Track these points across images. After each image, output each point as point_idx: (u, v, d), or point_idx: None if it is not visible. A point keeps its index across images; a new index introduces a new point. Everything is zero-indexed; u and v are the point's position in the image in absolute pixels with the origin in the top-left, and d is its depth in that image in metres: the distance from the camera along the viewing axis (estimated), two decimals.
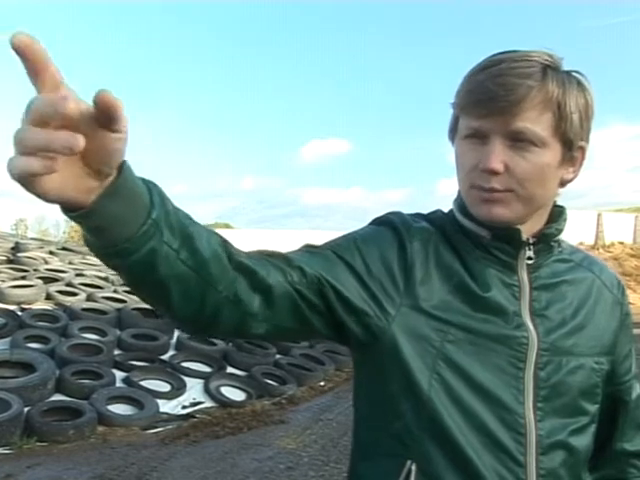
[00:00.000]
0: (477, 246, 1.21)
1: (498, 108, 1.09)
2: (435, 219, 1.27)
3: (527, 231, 1.20)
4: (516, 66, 1.09)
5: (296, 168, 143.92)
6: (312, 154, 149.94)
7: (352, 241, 1.20)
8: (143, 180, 0.87)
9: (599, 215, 27.63)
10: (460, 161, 1.18)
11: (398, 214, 1.26)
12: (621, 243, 27.46)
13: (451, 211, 1.27)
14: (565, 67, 1.14)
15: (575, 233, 25.26)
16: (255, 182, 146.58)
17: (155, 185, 0.89)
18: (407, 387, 1.14)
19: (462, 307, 1.17)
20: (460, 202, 1.23)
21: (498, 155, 1.10)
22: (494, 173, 1.11)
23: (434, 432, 1.12)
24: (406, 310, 1.15)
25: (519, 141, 1.10)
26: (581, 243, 25.56)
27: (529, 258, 1.21)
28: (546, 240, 1.23)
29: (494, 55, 1.13)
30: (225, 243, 1.00)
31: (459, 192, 1.23)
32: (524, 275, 1.21)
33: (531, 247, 1.21)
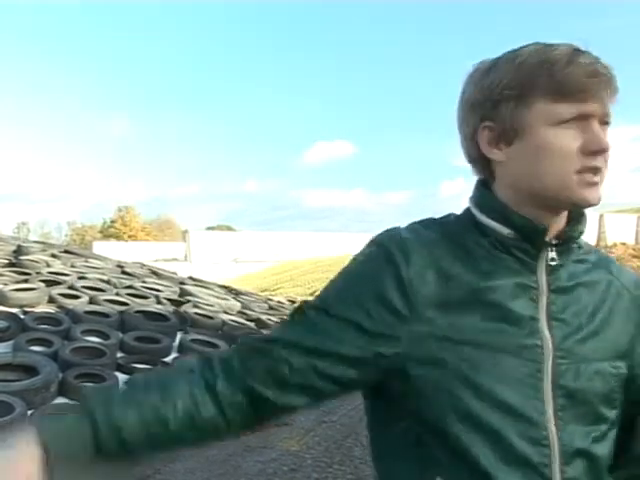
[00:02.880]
0: (496, 246, 1.19)
1: (610, 90, 1.13)
2: (447, 223, 1.25)
3: (552, 230, 1.20)
4: (598, 57, 1.13)
5: (300, 170, 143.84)
6: (317, 156, 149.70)
7: (340, 291, 1.22)
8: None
9: (601, 216, 27.69)
10: (557, 147, 1.13)
11: (393, 234, 1.23)
12: (623, 244, 27.50)
13: (467, 211, 1.26)
14: None
15: None
16: (259, 184, 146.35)
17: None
18: (425, 417, 1.15)
19: (475, 321, 1.15)
20: (481, 199, 1.23)
21: (604, 135, 1.14)
22: (605, 151, 1.14)
23: (457, 456, 1.13)
24: (416, 338, 1.14)
25: (605, 124, 1.16)
26: None
27: (552, 259, 1.20)
28: (570, 241, 1.23)
29: (550, 45, 1.15)
30: (203, 384, 1.17)
31: (479, 189, 1.24)
32: (543, 277, 1.20)
33: (554, 248, 1.20)
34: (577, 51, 1.13)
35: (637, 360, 1.28)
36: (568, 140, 1.12)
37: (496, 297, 1.16)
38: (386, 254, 1.18)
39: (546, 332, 1.17)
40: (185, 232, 41.74)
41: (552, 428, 1.14)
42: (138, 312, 9.61)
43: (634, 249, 27.43)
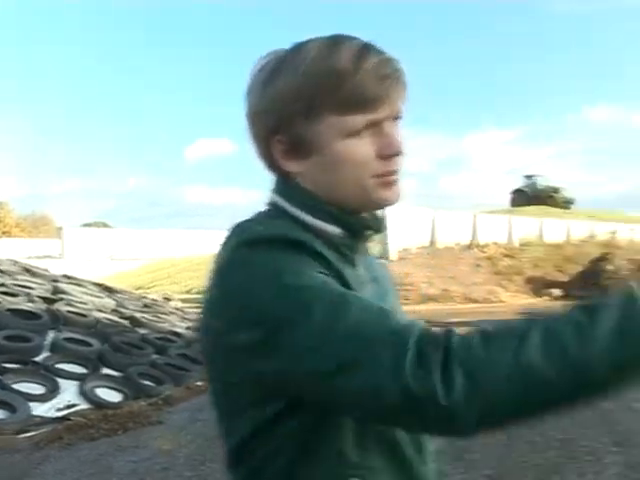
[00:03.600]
0: (329, 248, 1.11)
1: (401, 87, 1.11)
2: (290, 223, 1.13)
3: None
4: (383, 50, 1.10)
5: (180, 168, 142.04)
6: (197, 153, 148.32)
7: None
8: None
9: (474, 216, 28.54)
10: (352, 158, 1.09)
11: (267, 227, 1.09)
12: (495, 243, 28.43)
13: (283, 213, 1.14)
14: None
15: (451, 233, 26.07)
16: (138, 181, 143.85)
17: None
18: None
19: None
20: (307, 201, 1.13)
21: (399, 137, 1.12)
22: (400, 155, 1.12)
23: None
24: None
25: (398, 119, 1.14)
26: (457, 243, 26.42)
27: (364, 251, 1.21)
28: (379, 233, 1.21)
29: (335, 44, 1.09)
30: None
31: (303, 190, 1.14)
32: (362, 270, 1.18)
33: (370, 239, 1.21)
34: (364, 49, 1.08)
35: None
36: (363, 149, 1.10)
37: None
38: (298, 246, 1.05)
39: None
40: (60, 229, 40.46)
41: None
42: (8, 310, 9.31)
43: (506, 248, 28.40)
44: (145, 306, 13.47)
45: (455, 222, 26.87)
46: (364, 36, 1.11)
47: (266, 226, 1.09)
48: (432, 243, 25.45)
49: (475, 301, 21.53)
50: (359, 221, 1.16)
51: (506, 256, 27.26)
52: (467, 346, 0.87)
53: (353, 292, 1.01)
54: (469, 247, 26.98)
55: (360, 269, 1.17)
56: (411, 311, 18.30)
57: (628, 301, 0.87)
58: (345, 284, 1.04)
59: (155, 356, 9.52)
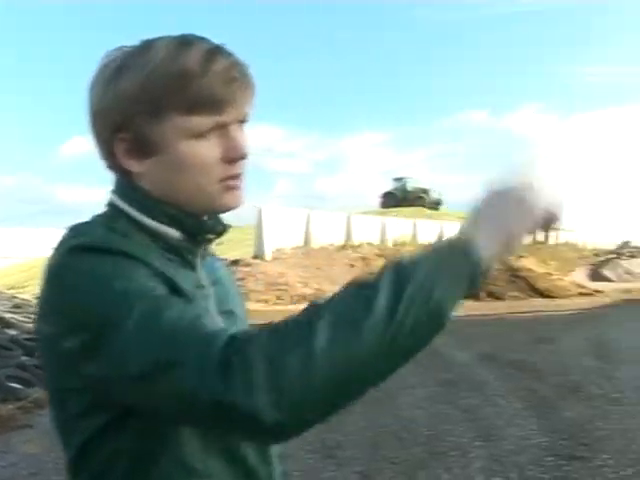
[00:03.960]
0: (169, 251, 1.10)
1: (248, 91, 1.11)
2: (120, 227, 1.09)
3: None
4: (234, 53, 1.09)
5: (55, 165, 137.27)
6: (72, 151, 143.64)
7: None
8: None
9: (348, 217, 28.92)
10: (196, 160, 1.08)
11: (99, 231, 1.06)
12: (369, 244, 28.91)
13: (122, 215, 1.11)
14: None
15: (326, 234, 26.34)
16: (9, 179, 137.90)
17: None
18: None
19: None
20: (147, 203, 1.11)
21: (244, 141, 1.11)
22: (245, 158, 1.12)
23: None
24: None
25: (243, 122, 1.13)
26: (332, 244, 26.71)
27: (203, 254, 1.19)
28: (221, 235, 1.20)
29: (183, 44, 1.07)
30: None
31: (143, 191, 1.11)
32: (202, 273, 1.16)
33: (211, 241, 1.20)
34: (212, 52, 1.07)
35: None
36: (207, 151, 1.09)
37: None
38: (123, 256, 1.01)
39: None
40: None
41: None
42: None
43: (379, 249, 28.89)
44: (15, 306, 12.96)
45: (329, 222, 27.09)
46: (238, 38, 1.11)
47: (99, 230, 1.06)
48: (306, 243, 25.59)
49: None
50: (199, 224, 1.14)
51: (380, 256, 27.73)
52: (264, 345, 0.87)
53: (175, 298, 0.98)
54: (343, 247, 27.28)
55: (200, 272, 1.16)
56: (286, 311, 18.29)
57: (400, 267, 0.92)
58: (176, 290, 1.02)
59: (24, 358, 9.15)
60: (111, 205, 1.14)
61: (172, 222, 1.11)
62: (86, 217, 1.12)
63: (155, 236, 1.10)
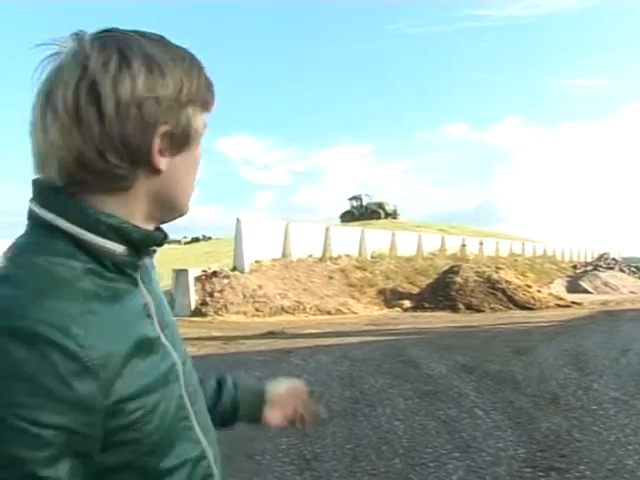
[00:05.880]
0: (109, 269, 1.01)
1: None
2: (61, 251, 0.97)
3: None
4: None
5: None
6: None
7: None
8: None
9: (327, 229, 28.94)
10: (198, 160, 1.10)
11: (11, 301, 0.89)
12: (347, 256, 28.95)
13: (54, 236, 0.98)
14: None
15: (305, 246, 26.33)
16: None
17: None
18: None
19: (138, 367, 0.98)
20: (86, 217, 0.99)
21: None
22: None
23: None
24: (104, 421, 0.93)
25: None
26: (310, 255, 26.72)
27: (140, 265, 1.09)
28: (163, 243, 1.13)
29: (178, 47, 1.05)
30: None
31: (81, 204, 0.99)
32: (142, 287, 1.09)
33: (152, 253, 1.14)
34: (193, 57, 1.07)
35: None
36: (198, 152, 1.11)
37: (141, 333, 1.03)
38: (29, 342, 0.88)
39: (168, 345, 1.09)
40: None
41: (202, 439, 1.13)
42: None
43: (357, 260, 28.98)
44: None
45: (308, 234, 27.14)
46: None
47: (38, 283, 0.92)
48: (285, 255, 25.59)
49: (328, 312, 21.76)
50: (147, 236, 1.06)
51: (358, 268, 27.80)
52: None
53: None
54: (322, 259, 27.32)
55: (142, 287, 1.08)
56: (264, 323, 18.32)
57: None
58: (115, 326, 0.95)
59: None
60: (40, 221, 1.00)
61: (117, 236, 1.01)
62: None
63: (97, 255, 1.00)
